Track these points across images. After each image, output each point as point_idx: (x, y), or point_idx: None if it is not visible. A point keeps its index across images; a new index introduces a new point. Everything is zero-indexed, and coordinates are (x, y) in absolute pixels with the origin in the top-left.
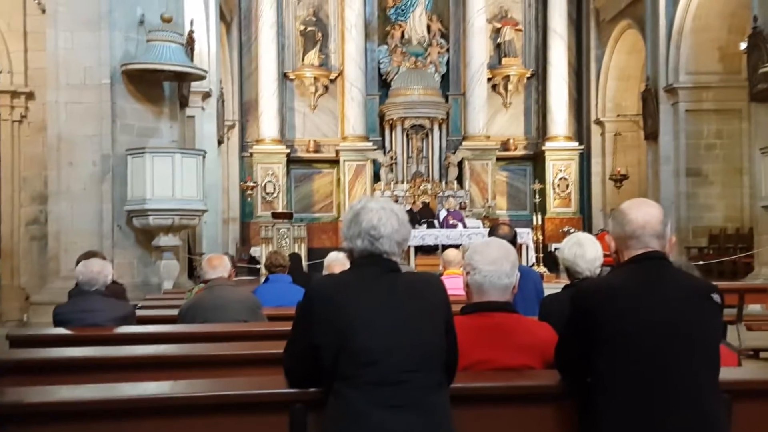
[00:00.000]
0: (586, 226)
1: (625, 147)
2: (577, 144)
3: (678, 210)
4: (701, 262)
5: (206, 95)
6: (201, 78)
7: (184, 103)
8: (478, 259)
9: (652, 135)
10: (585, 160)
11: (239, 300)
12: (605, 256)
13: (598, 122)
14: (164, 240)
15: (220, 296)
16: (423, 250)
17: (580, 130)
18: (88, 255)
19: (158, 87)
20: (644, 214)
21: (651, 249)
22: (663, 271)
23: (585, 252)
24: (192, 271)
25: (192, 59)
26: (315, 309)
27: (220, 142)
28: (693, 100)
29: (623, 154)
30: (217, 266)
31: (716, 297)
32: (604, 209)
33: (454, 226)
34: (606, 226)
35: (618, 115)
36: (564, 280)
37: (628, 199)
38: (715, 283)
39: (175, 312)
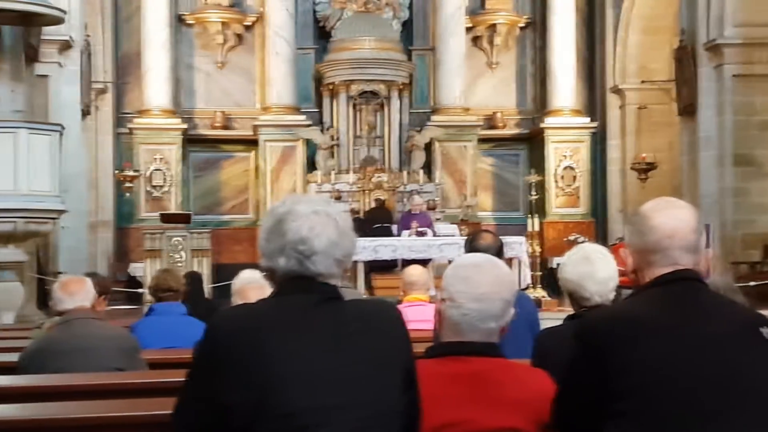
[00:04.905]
0: (601, 233)
1: (653, 125)
2: (588, 120)
3: (722, 211)
4: (752, 283)
5: (65, 46)
6: (57, 21)
7: (32, 58)
8: (461, 290)
9: (688, 109)
10: (599, 142)
11: (110, 339)
12: (621, 274)
13: (617, 91)
14: (2, 254)
15: (83, 335)
16: (377, 266)
17: (593, 102)
18: None
19: None
20: (672, 218)
21: (681, 266)
22: (697, 297)
23: (595, 270)
24: (44, 298)
25: None
26: (222, 353)
27: (85, 113)
28: (743, 62)
29: (650, 134)
30: (76, 293)
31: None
32: (625, 209)
33: (421, 234)
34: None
35: (643, 82)
36: (568, 309)
37: (657, 195)
38: None
39: (15, 357)
